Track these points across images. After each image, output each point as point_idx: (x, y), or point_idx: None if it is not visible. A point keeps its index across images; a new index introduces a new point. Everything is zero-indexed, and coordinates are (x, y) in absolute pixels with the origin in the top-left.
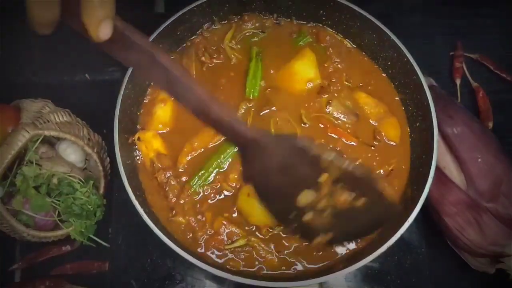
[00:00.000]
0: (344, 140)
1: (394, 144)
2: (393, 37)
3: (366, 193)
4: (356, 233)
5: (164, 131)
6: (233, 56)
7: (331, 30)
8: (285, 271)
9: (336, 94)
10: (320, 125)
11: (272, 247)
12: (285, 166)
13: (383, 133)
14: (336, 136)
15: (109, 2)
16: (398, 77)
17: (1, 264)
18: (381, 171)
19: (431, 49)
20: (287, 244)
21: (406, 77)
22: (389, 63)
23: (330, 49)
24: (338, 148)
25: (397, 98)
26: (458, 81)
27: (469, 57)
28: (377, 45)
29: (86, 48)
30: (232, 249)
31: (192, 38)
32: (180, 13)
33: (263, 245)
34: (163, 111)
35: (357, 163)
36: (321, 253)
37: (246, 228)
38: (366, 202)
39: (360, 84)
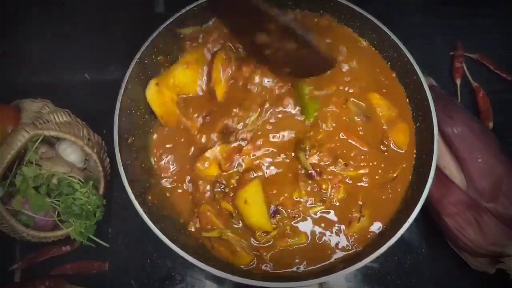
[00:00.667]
0: (353, 142)
1: (401, 151)
2: (393, 37)
3: (305, 45)
4: (307, 71)
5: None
6: None
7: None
8: (285, 271)
9: (351, 91)
10: (333, 124)
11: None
12: (243, 13)
13: (391, 139)
14: (347, 138)
15: None
16: (398, 77)
17: (1, 264)
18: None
19: (431, 49)
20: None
21: (406, 77)
22: (389, 63)
23: (345, 47)
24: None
25: (408, 102)
26: (458, 81)
27: (469, 57)
28: (377, 45)
29: (86, 48)
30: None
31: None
32: (180, 13)
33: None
34: (183, 74)
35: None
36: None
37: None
38: (306, 53)
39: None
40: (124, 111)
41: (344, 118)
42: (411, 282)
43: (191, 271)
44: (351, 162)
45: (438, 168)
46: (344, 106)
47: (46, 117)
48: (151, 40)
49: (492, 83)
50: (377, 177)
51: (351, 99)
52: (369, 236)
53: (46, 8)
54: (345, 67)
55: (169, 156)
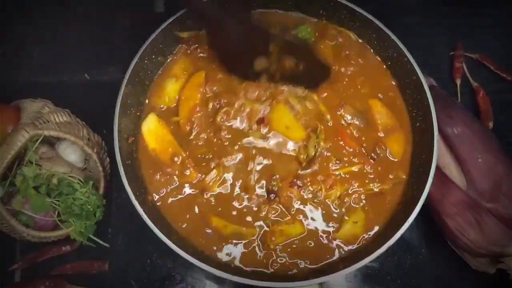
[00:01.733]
0: (343, 144)
1: (395, 160)
2: (393, 37)
3: (305, 58)
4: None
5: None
6: None
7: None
8: (285, 271)
9: (348, 93)
10: (328, 123)
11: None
12: (242, 37)
13: (386, 148)
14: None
15: None
16: (398, 77)
17: (1, 264)
18: (378, 184)
19: (431, 49)
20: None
21: (406, 77)
22: (389, 63)
23: (347, 51)
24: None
25: (404, 105)
26: (458, 81)
27: (469, 57)
28: (377, 45)
29: (86, 48)
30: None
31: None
32: (180, 13)
33: None
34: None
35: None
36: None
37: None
38: (305, 66)
39: (380, 95)
40: (124, 111)
41: (340, 121)
42: (411, 282)
43: (191, 271)
44: (345, 159)
45: (438, 168)
46: (341, 110)
47: (46, 117)
48: (151, 40)
49: (492, 83)
50: (366, 181)
51: (346, 105)
52: (369, 236)
53: (46, 8)
54: (348, 71)
55: None
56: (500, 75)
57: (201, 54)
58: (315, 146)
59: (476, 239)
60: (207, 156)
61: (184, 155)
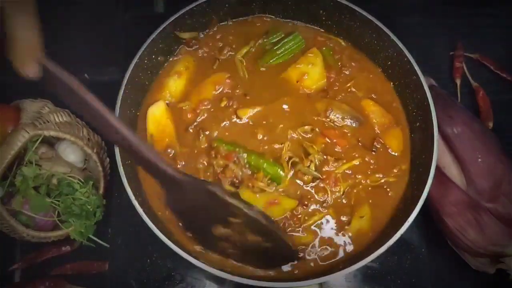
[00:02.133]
0: (334, 141)
1: (395, 154)
2: (393, 37)
3: (271, 238)
4: (268, 264)
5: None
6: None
7: (340, 39)
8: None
9: (339, 97)
10: (316, 129)
11: None
12: (200, 204)
13: (384, 143)
14: (329, 140)
15: (35, 44)
16: (398, 77)
17: (1, 264)
18: (381, 175)
19: (431, 49)
20: None
21: (406, 77)
22: (389, 63)
23: (338, 55)
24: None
25: (401, 107)
26: (458, 81)
27: (469, 57)
28: (377, 45)
29: (86, 48)
30: None
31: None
32: (180, 13)
33: None
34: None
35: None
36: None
37: None
38: (272, 245)
39: (373, 95)
40: (124, 111)
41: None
42: (411, 282)
43: (191, 271)
44: (342, 155)
45: (438, 168)
46: (330, 112)
47: (46, 117)
48: (151, 40)
49: (492, 83)
50: (368, 172)
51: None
52: (368, 236)
53: (45, 9)
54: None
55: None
56: (500, 75)
57: (204, 54)
58: (313, 162)
59: (476, 239)
60: (201, 164)
61: (178, 150)
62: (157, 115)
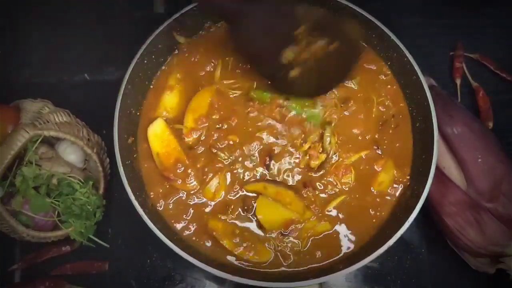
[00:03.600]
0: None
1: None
2: (393, 37)
3: (336, 35)
4: (335, 76)
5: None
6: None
7: None
8: (286, 270)
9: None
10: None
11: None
12: (267, 27)
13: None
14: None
15: None
16: (398, 77)
17: (1, 264)
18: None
19: (431, 49)
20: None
21: (406, 77)
22: (389, 63)
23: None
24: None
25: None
26: (458, 81)
27: (469, 57)
28: (377, 45)
29: (86, 48)
30: None
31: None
32: (180, 13)
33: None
34: (170, 98)
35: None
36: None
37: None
38: (337, 44)
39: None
40: (124, 111)
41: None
42: (411, 282)
43: (191, 271)
44: (350, 145)
45: (438, 168)
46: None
47: (46, 117)
48: (150, 40)
49: (492, 83)
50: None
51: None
52: (368, 236)
53: (46, 9)
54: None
55: None
56: (500, 75)
57: (195, 60)
58: (326, 148)
59: (476, 239)
60: (207, 169)
61: (187, 163)
62: (158, 133)
